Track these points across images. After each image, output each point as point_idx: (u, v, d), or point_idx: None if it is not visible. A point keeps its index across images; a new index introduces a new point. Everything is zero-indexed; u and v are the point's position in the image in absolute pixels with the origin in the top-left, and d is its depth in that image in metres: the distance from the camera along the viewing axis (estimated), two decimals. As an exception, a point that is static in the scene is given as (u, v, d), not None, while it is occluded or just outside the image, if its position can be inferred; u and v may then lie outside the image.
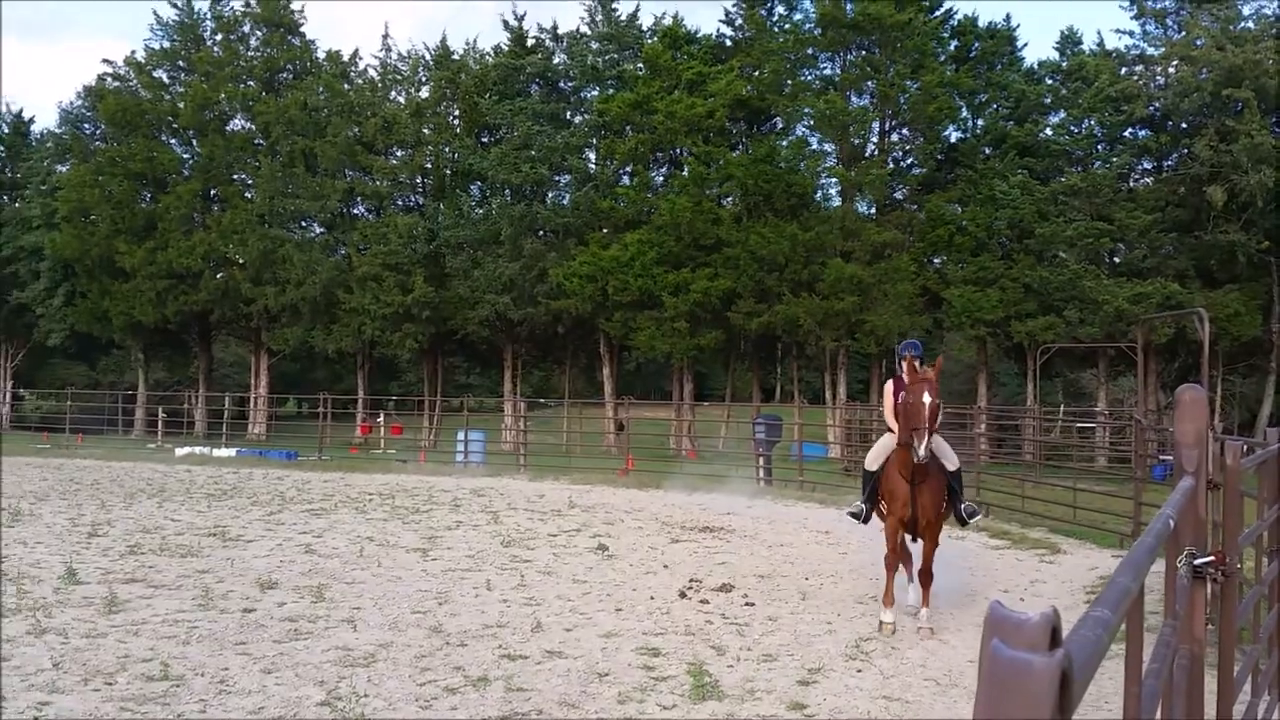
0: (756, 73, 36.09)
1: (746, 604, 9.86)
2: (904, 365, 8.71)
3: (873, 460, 9.40)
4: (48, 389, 48.44)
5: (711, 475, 22.23)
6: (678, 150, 36.90)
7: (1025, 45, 60.22)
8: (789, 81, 34.89)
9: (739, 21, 37.68)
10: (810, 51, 35.34)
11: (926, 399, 8.33)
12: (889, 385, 9.40)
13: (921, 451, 8.31)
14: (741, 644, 8.34)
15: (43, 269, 42.99)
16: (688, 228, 33.72)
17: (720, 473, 22.74)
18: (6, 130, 48.35)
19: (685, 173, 35.57)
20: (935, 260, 35.06)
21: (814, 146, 35.62)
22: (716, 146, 35.48)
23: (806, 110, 34.43)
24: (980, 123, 35.39)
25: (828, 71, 35.92)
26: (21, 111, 49.06)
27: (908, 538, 9.31)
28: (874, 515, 9.60)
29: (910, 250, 33.79)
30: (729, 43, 37.91)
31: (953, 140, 35.83)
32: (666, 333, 34.00)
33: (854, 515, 9.68)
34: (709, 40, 37.78)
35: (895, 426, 8.92)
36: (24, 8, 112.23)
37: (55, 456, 28.74)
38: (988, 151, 34.52)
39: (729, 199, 36.03)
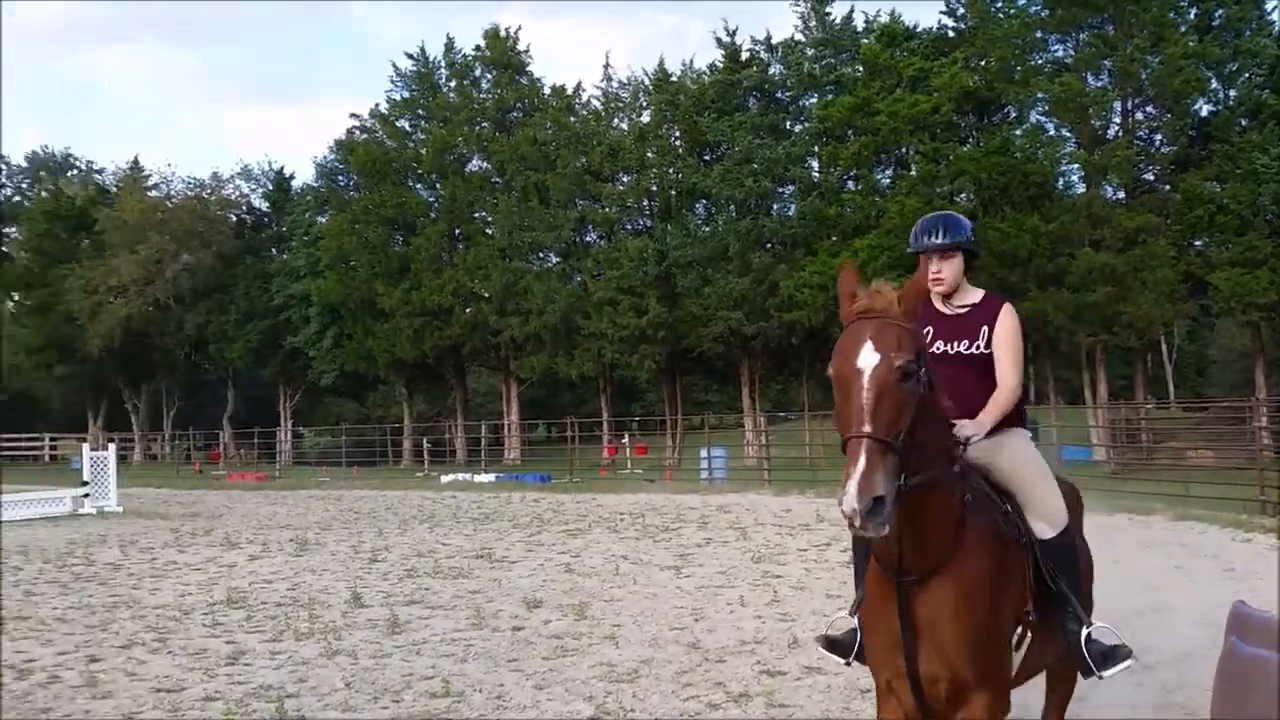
0: (982, 62, 34.83)
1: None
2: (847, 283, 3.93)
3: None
4: (323, 425, 52.63)
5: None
6: (904, 150, 36.08)
7: (1276, 8, 55.35)
8: (1018, 67, 33.49)
9: (960, 11, 36.55)
10: (1039, 34, 33.80)
11: (866, 360, 3.43)
12: None
13: (847, 503, 3.17)
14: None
15: (312, 314, 46.32)
16: (919, 228, 32.82)
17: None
18: (271, 187, 52.81)
19: (913, 172, 34.72)
20: (1195, 243, 32.66)
21: (1051, 132, 34.01)
22: (945, 142, 34.41)
23: (1040, 95, 32.90)
24: (1233, 94, 32.74)
25: (1059, 53, 34.23)
26: (283, 169, 53.40)
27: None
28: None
29: (1167, 234, 31.62)
30: (951, 34, 36.81)
31: (1204, 114, 33.33)
32: (904, 338, 33.12)
33: (833, 647, 4.48)
34: (929, 34, 36.82)
35: None
36: (275, 72, 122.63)
37: (334, 489, 30.98)
38: (1244, 123, 31.88)
39: (962, 195, 34.91)
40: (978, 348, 4.35)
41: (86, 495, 23.57)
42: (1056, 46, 34.31)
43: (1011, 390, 4.31)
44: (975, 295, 4.48)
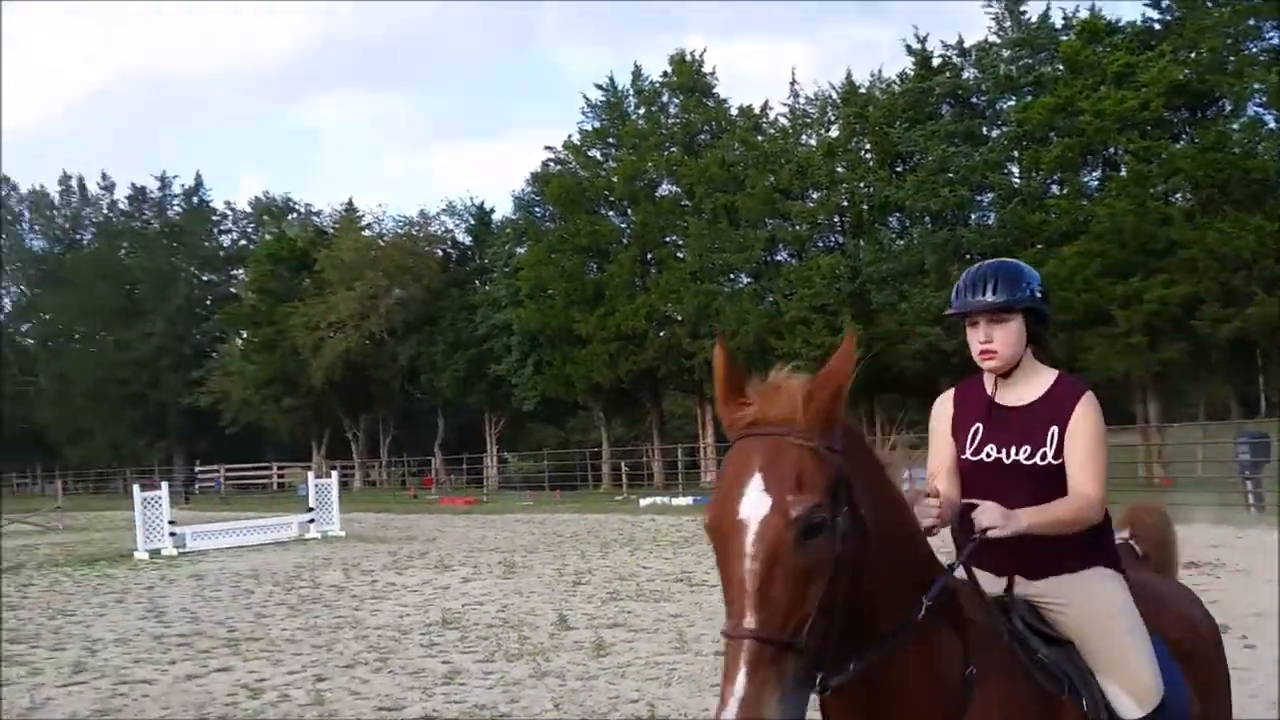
0: (1192, 54, 32.87)
1: (1246, 646, 8.86)
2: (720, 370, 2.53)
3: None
4: (526, 450, 54.20)
5: (1191, 504, 20.18)
6: (1111, 150, 34.37)
7: None
8: (1231, 58, 31.42)
9: (1166, 2, 34.62)
10: (1252, 22, 31.62)
11: (750, 508, 2.21)
12: (942, 405, 3.34)
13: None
14: (1241, 691, 7.51)
15: (513, 343, 47.69)
16: (1132, 232, 31.16)
17: (1201, 501, 20.60)
18: (473, 221, 54.98)
19: (1123, 173, 33.01)
20: None
21: (1271, 125, 31.74)
22: (1156, 140, 32.59)
23: (1256, 86, 30.77)
24: None
25: (1275, 41, 31.94)
26: (483, 204, 55.41)
27: None
28: None
29: None
30: (1156, 27, 34.92)
31: None
32: (1120, 349, 31.45)
33: None
34: (1133, 28, 35.06)
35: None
36: (473, 110, 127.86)
37: (538, 512, 31.79)
38: None
39: (1177, 195, 32.95)
40: (1043, 456, 3.05)
41: (312, 520, 25.02)
42: (1272, 34, 32.02)
43: (1087, 504, 2.97)
44: (1044, 379, 3.13)
